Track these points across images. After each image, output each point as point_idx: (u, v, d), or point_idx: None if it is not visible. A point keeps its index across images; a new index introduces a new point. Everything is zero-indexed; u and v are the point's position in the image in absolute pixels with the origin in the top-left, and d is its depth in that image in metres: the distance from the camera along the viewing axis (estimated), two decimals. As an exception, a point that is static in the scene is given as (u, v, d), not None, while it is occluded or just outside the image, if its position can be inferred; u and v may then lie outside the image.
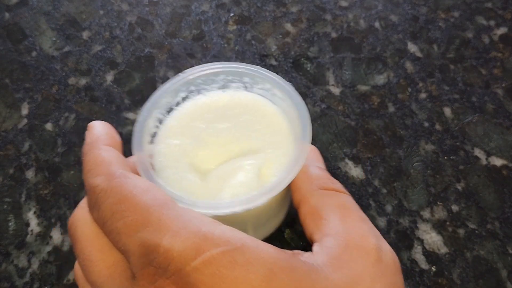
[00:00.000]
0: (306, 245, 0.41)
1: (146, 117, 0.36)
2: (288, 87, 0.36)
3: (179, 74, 0.38)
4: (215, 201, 0.33)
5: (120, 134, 0.49)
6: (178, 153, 0.36)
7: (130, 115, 0.51)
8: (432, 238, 0.41)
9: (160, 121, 0.38)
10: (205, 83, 0.39)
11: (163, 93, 0.37)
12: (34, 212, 0.45)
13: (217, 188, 0.34)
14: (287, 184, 0.31)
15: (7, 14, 0.60)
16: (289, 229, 0.43)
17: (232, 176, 0.35)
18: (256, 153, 0.36)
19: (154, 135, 0.37)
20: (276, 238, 0.42)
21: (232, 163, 0.35)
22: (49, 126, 0.50)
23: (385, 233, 0.42)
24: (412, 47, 0.54)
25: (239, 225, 0.38)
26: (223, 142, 0.37)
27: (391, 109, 0.50)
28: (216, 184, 0.35)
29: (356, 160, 0.46)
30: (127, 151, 0.48)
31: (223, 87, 0.40)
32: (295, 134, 0.36)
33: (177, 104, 0.39)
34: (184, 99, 0.39)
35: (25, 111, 0.52)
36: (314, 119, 0.49)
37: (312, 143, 0.36)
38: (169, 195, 0.31)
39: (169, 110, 0.39)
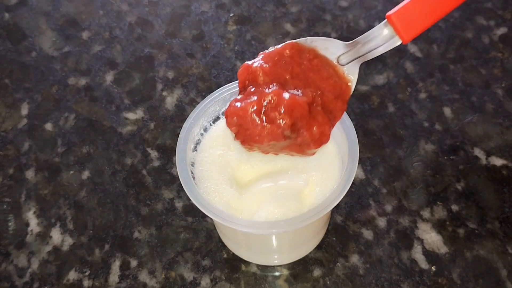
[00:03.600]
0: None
1: (192, 124, 0.36)
2: None
3: (229, 84, 0.37)
4: (254, 221, 0.32)
5: (120, 134, 0.49)
6: (221, 164, 0.36)
7: (130, 115, 0.51)
8: (432, 238, 0.41)
9: (205, 129, 0.38)
10: None
11: (212, 101, 0.37)
12: (34, 212, 0.45)
13: (256, 204, 0.34)
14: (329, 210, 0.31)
15: (7, 14, 0.60)
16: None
17: (272, 194, 0.34)
18: (299, 173, 0.35)
19: (198, 143, 0.37)
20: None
21: (273, 179, 0.35)
22: (49, 126, 0.50)
23: (385, 233, 0.42)
24: (412, 47, 0.54)
25: (277, 243, 0.37)
26: (267, 157, 0.36)
27: (391, 109, 0.50)
28: (255, 200, 0.34)
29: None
30: (127, 151, 0.48)
31: None
32: (341, 159, 0.36)
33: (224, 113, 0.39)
34: None
35: (25, 111, 0.52)
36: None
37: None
38: (209, 208, 0.31)
39: (216, 119, 0.38)
